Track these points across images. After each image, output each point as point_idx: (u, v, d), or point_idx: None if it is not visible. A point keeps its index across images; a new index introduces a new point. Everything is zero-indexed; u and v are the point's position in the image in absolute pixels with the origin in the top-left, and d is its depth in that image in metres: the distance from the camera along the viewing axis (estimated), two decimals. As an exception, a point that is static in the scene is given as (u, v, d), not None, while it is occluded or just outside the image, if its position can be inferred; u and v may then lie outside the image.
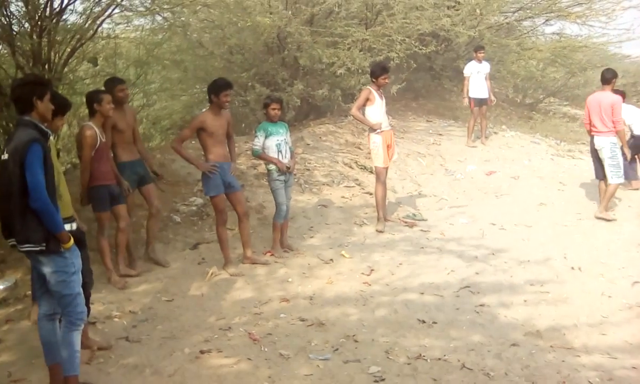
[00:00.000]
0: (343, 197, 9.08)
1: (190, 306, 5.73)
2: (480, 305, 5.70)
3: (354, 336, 5.08)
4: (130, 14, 8.93)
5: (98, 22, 7.94)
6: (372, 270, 6.59)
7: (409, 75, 12.67)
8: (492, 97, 12.38)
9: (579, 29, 15.69)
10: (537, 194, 9.78)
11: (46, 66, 7.25)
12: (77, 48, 7.82)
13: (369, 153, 8.47)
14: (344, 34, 10.97)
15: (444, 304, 5.74)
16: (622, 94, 8.81)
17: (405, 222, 8.37)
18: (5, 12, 7.02)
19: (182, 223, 7.64)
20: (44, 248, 3.79)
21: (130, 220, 6.37)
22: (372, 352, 4.81)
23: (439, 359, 4.69)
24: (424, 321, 5.36)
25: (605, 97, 8.30)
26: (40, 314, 4.12)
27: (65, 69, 7.74)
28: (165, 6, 8.95)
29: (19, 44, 7.12)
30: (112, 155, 6.27)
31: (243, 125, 12.49)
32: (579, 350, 4.89)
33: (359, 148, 10.92)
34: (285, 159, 6.93)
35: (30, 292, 5.24)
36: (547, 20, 16.09)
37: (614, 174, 8.30)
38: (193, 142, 8.79)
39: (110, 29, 9.27)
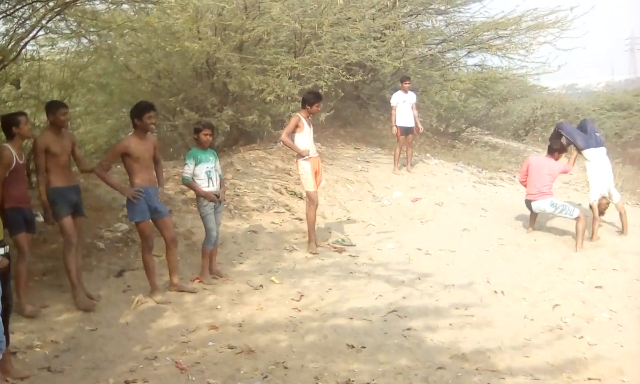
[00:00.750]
0: (273, 222, 9.08)
1: (114, 335, 5.57)
2: (408, 329, 5.79)
3: (283, 362, 5.06)
4: (55, 36, 8.74)
5: (22, 44, 7.72)
6: (301, 296, 6.60)
7: (337, 103, 12.90)
8: (420, 126, 12.72)
9: (499, 61, 16.41)
10: (461, 220, 10.05)
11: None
12: (-1, 70, 7.57)
13: (299, 179, 8.53)
14: (273, 62, 11.06)
15: (372, 329, 5.80)
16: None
17: (335, 247, 8.44)
18: None
19: (107, 250, 7.44)
20: None
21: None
22: (301, 378, 4.80)
23: (368, 383, 4.73)
24: (352, 346, 5.40)
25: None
26: None
27: (-13, 91, 7.47)
28: (92, 29, 8.79)
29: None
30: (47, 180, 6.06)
31: (171, 149, 12.34)
32: (504, 372, 5.02)
33: (289, 174, 10.96)
34: (215, 187, 6.89)
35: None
36: (469, 52, 16.75)
37: (569, 213, 8.81)
38: (118, 166, 8.62)
39: (34, 50, 9.02)
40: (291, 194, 10.22)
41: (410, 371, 4.97)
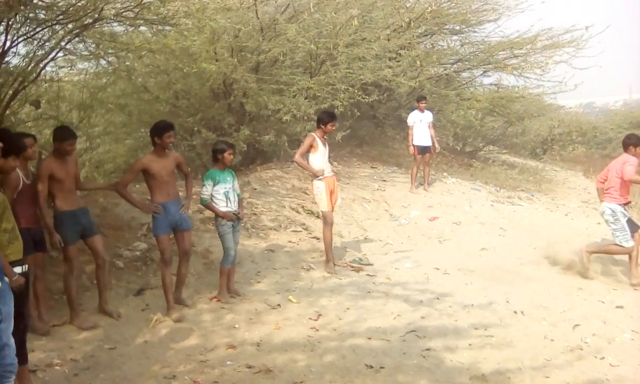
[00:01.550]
0: (290, 241, 9.08)
1: (133, 354, 5.57)
2: (427, 349, 5.74)
3: (301, 382, 5.03)
4: (74, 57, 8.87)
5: (41, 65, 7.84)
6: (319, 315, 6.57)
7: (353, 122, 12.93)
8: (436, 145, 12.72)
9: (515, 80, 16.42)
10: (479, 239, 10.00)
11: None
12: (19, 91, 7.71)
13: (315, 198, 8.55)
14: (289, 82, 11.13)
15: (390, 349, 5.75)
16: None
17: (352, 266, 8.42)
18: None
19: (126, 268, 7.47)
20: None
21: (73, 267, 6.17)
22: (320, 398, 4.77)
23: (387, 404, 4.70)
24: (371, 366, 5.35)
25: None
26: None
27: (7, 112, 7.58)
28: (110, 51, 8.91)
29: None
30: (52, 204, 6.05)
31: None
32: (524, 393, 4.97)
33: (306, 193, 10.98)
34: (233, 206, 6.92)
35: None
36: (485, 71, 16.78)
37: (621, 239, 7.97)
38: (137, 186, 8.70)
39: (53, 72, 9.17)
40: (308, 213, 10.23)
41: (429, 391, 4.93)
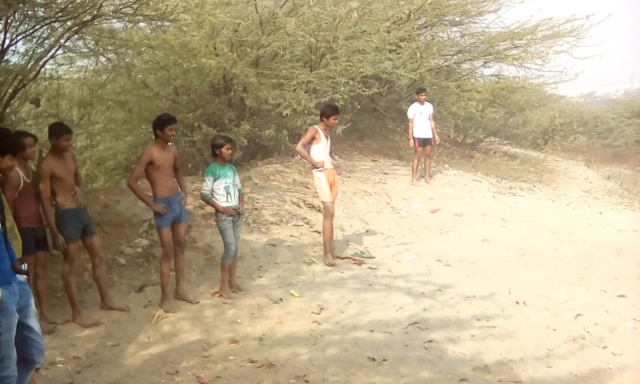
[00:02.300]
0: (291, 236, 9.09)
1: (136, 350, 5.58)
2: (429, 341, 5.75)
3: (304, 376, 5.03)
4: (74, 55, 8.87)
5: (41, 63, 7.84)
6: (321, 309, 6.58)
7: (353, 116, 12.89)
8: (437, 137, 12.70)
9: (516, 71, 16.38)
10: (481, 230, 9.99)
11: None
12: (19, 89, 7.70)
13: (316, 192, 8.55)
14: (289, 76, 11.11)
15: (393, 341, 5.76)
16: None
17: (354, 259, 8.42)
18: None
19: (127, 265, 7.48)
20: None
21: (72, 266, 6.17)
22: (323, 391, 4.78)
23: (390, 396, 4.71)
24: (374, 359, 5.36)
25: None
26: None
27: (7, 110, 7.58)
28: (109, 47, 8.91)
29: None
30: (53, 203, 6.03)
31: (190, 165, 12.41)
32: (527, 383, 4.97)
33: (307, 187, 10.98)
34: (234, 201, 6.92)
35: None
36: (485, 62, 16.72)
37: None
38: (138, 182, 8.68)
39: (53, 69, 9.16)
40: (309, 207, 10.24)
41: (432, 383, 4.93)
